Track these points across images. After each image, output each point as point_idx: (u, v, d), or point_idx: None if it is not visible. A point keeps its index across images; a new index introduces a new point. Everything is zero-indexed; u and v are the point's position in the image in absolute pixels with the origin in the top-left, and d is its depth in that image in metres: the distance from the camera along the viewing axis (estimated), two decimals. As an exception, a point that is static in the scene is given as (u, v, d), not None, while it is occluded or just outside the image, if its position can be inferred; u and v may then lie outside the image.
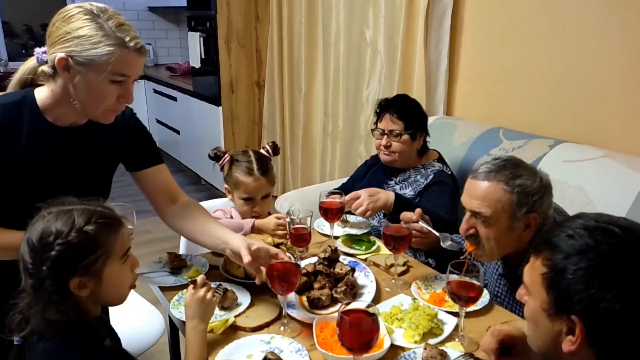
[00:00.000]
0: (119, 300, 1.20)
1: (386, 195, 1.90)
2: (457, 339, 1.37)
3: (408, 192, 2.20)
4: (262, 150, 1.99)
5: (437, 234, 1.67)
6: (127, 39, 1.26)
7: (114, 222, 1.16)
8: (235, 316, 1.47)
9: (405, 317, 1.43)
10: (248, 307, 1.51)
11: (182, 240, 2.12)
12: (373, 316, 1.15)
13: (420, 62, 2.81)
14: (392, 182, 2.29)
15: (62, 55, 1.26)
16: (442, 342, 1.35)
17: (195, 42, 4.43)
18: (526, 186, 1.46)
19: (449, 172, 2.22)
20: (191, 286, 1.36)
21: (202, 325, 1.33)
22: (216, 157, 1.98)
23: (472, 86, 2.77)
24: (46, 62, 1.32)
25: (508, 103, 2.59)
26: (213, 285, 1.59)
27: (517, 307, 1.59)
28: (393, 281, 1.66)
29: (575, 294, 0.86)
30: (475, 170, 1.55)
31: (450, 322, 1.43)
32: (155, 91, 5.67)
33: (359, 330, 1.14)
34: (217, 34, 4.15)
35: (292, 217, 1.75)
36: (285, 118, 4.17)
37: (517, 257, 1.56)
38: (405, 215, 1.68)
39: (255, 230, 1.84)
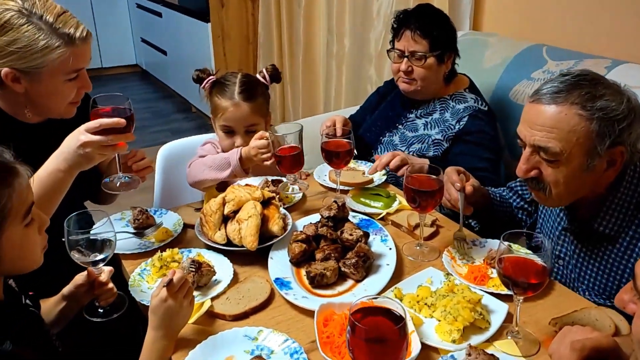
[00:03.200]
0: (30, 267, 0.94)
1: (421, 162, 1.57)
2: (509, 336, 1.02)
3: (434, 133, 1.78)
4: (258, 75, 1.61)
5: (461, 220, 1.31)
6: (72, 31, 1.19)
7: (4, 170, 0.84)
8: (213, 298, 1.12)
9: (437, 303, 1.07)
10: (229, 286, 1.16)
11: (156, 189, 1.76)
12: (401, 323, 0.78)
13: (443, -36, 2.37)
14: (412, 116, 1.86)
15: (7, 69, 1.17)
16: (490, 341, 1.01)
17: (178, -54, 3.88)
18: (610, 109, 1.08)
19: (486, 108, 1.79)
20: (164, 288, 0.96)
21: (165, 341, 0.97)
22: (198, 79, 1.64)
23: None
24: None
25: (551, 14, 2.16)
26: (184, 254, 1.24)
27: (587, 274, 1.22)
28: (418, 247, 1.29)
29: None
30: (537, 91, 1.15)
31: (499, 311, 1.07)
32: (139, 6, 5.13)
33: (380, 349, 0.78)
34: (203, -63, 3.64)
35: (277, 134, 1.35)
36: (284, 36, 3.74)
37: (589, 207, 1.19)
38: (451, 176, 1.30)
39: (242, 161, 1.47)
